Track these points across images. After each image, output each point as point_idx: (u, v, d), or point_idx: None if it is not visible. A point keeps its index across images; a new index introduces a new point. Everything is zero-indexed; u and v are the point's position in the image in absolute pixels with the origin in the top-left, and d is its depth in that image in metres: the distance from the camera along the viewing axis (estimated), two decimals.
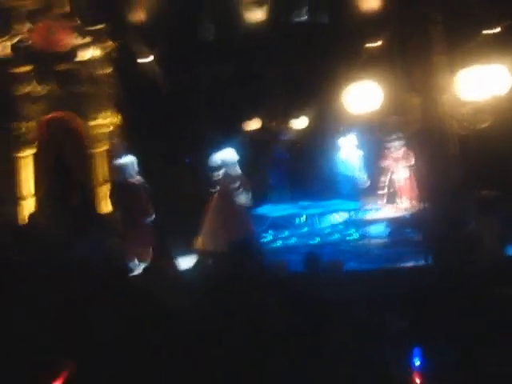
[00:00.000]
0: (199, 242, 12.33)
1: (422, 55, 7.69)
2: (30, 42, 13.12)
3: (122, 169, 11.72)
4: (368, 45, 15.90)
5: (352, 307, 5.49)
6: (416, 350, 4.86)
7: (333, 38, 15.38)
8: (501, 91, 7.14)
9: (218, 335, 5.28)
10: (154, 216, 11.62)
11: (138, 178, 11.85)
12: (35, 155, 13.41)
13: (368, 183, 14.61)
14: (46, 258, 9.04)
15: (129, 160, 11.80)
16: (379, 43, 15.70)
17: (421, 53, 7.69)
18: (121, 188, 11.76)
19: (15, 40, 13.00)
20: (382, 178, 13.76)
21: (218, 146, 12.91)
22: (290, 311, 5.61)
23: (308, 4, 13.78)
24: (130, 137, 14.23)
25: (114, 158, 12.97)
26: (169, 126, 15.59)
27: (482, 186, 10.43)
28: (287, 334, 5.28)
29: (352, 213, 13.19)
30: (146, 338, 5.39)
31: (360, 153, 14.62)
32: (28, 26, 12.97)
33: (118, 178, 11.79)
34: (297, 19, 14.41)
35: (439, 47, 7.71)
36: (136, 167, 11.80)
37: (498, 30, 14.31)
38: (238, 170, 12.48)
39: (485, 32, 14.20)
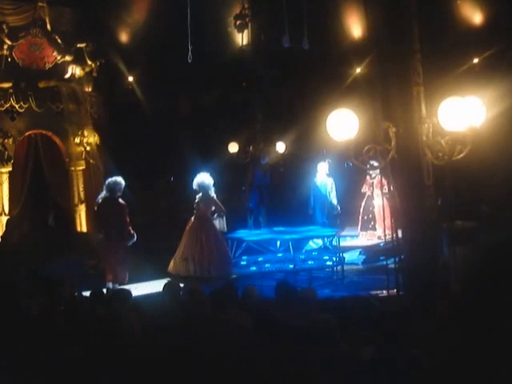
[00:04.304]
0: (171, 265, 12.22)
1: (401, 85, 7.74)
2: (10, 58, 13.11)
3: (111, 186, 11.55)
4: (348, 72, 16.13)
5: (323, 335, 5.46)
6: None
7: (314, 63, 15.54)
8: (477, 123, 7.20)
9: (186, 361, 5.23)
10: (135, 238, 11.46)
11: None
12: (11, 172, 13.36)
13: (339, 209, 14.67)
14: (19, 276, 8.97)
15: (119, 178, 11.64)
16: (359, 71, 15.94)
17: (400, 83, 7.74)
18: (107, 205, 11.59)
19: None
20: (359, 205, 13.82)
21: (197, 169, 12.87)
22: (260, 338, 5.57)
23: (290, 29, 13.87)
24: (110, 156, 14.23)
25: (103, 176, 12.96)
26: (149, 147, 15.59)
27: (457, 216, 10.51)
28: (257, 361, 5.24)
29: (327, 239, 13.15)
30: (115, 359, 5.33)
31: (334, 180, 14.71)
32: (9, 42, 12.95)
33: (105, 195, 11.59)
34: (279, 44, 14.50)
35: (418, 78, 7.77)
36: (123, 186, 11.69)
37: (475, 63, 14.65)
38: (212, 195, 12.38)
39: (462, 65, 14.53)
